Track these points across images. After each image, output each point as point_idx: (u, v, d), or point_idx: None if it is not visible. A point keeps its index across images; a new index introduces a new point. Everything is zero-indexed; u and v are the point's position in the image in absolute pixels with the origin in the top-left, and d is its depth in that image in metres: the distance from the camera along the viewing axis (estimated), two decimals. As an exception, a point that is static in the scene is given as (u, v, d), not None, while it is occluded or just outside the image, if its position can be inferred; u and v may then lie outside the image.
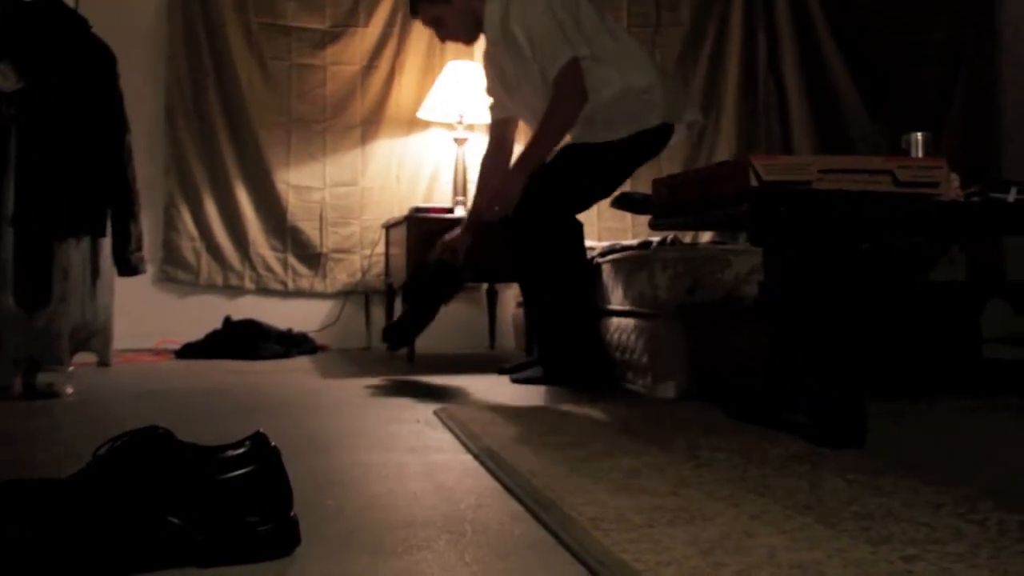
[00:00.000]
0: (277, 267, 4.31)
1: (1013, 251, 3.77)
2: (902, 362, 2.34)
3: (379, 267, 4.34)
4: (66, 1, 2.76)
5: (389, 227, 4.20)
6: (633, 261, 2.64)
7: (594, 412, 2.07)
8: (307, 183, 4.33)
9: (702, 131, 4.54)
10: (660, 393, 2.40)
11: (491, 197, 2.78)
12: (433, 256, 2.93)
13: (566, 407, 2.17)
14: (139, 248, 2.93)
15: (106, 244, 2.91)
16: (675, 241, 2.89)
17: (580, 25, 2.68)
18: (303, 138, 4.33)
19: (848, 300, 1.74)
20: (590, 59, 2.64)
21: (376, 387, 2.73)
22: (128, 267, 2.91)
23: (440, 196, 4.35)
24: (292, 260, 4.32)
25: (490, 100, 3.08)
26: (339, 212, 4.36)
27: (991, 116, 4.45)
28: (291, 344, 3.97)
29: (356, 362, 3.61)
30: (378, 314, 4.34)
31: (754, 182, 1.63)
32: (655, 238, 2.95)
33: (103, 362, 3.22)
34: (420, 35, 4.37)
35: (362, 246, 4.37)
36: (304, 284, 4.34)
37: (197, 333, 3.95)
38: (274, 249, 4.31)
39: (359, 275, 4.37)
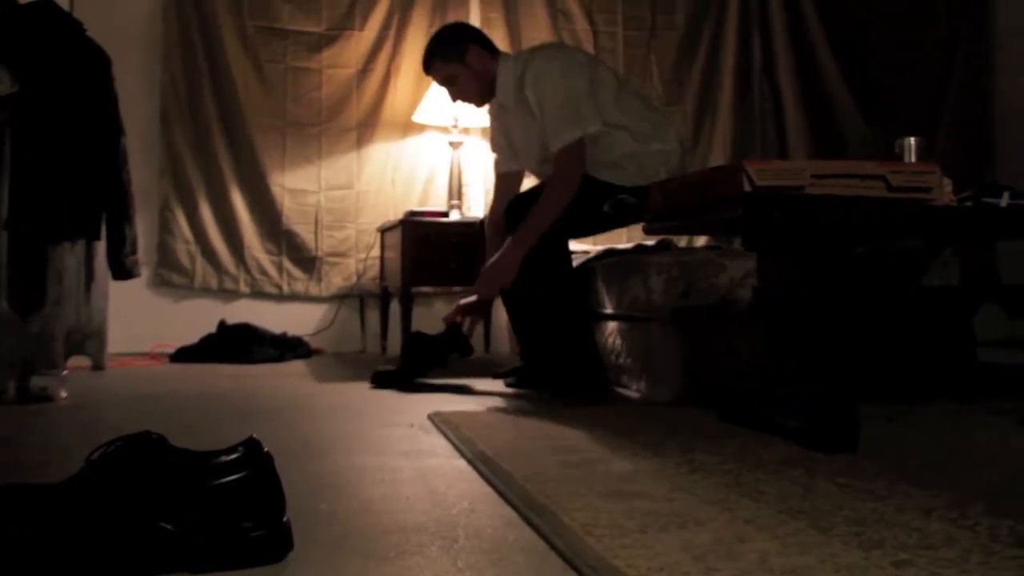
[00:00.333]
0: (272, 270, 4.31)
1: (1006, 255, 3.78)
2: (895, 366, 2.34)
3: (374, 271, 4.34)
4: (61, 4, 2.76)
5: (384, 231, 4.20)
6: (627, 265, 2.64)
7: (588, 417, 2.08)
8: (302, 186, 4.33)
9: (697, 135, 4.55)
10: (654, 397, 2.41)
11: (486, 279, 2.67)
12: (448, 318, 2.85)
13: (559, 412, 2.18)
14: (134, 251, 2.93)
15: (101, 247, 2.91)
16: (669, 245, 2.90)
17: (595, 98, 2.63)
18: (298, 141, 4.33)
19: (841, 304, 1.74)
20: (604, 128, 2.61)
21: (370, 391, 2.73)
22: (123, 270, 2.91)
23: (435, 199, 4.36)
24: (287, 263, 4.32)
25: (494, 156, 3.06)
26: (334, 215, 4.36)
27: (984, 121, 4.46)
28: (286, 348, 3.96)
29: (351, 366, 3.61)
30: (373, 317, 4.34)
31: (747, 187, 1.63)
32: (649, 242, 2.96)
33: (97, 366, 3.21)
34: (416, 39, 4.38)
35: (357, 250, 4.37)
36: (299, 288, 4.33)
37: (192, 337, 3.94)
38: (269, 252, 4.31)
39: (354, 279, 4.36)
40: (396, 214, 4.13)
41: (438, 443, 1.81)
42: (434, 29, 4.40)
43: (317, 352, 4.19)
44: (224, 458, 1.05)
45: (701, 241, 3.81)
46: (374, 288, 4.32)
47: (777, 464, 1.52)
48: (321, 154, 4.35)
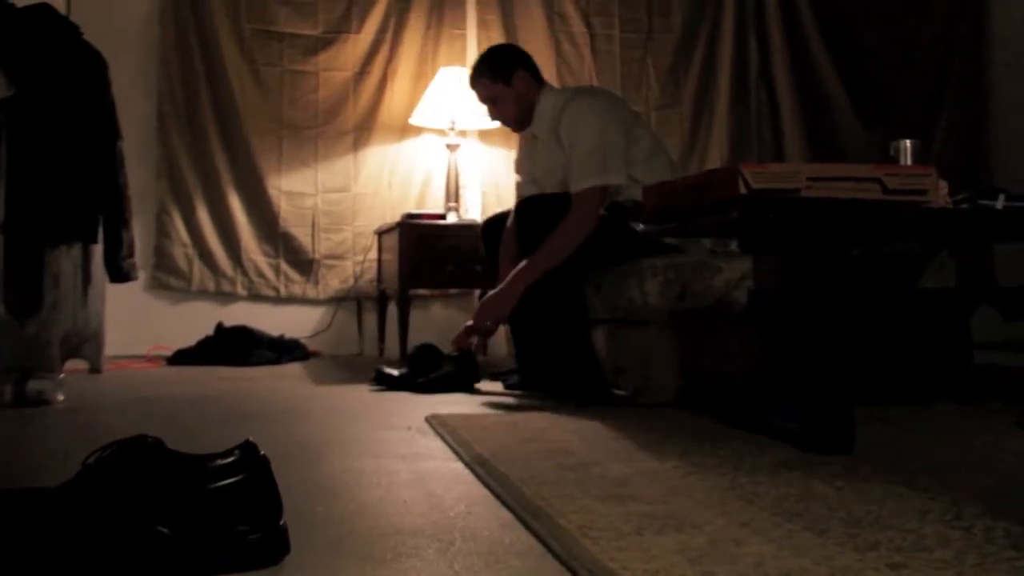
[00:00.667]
0: (269, 273, 4.31)
1: (1002, 257, 3.78)
2: (892, 368, 2.35)
3: (371, 273, 4.34)
4: (57, 7, 2.77)
5: (381, 233, 4.20)
6: (623, 267, 2.64)
7: (584, 419, 2.08)
8: (299, 189, 4.33)
9: (694, 138, 4.56)
10: (650, 400, 2.41)
11: (485, 309, 2.68)
12: (459, 340, 2.84)
13: (556, 414, 2.18)
14: (131, 254, 2.93)
15: (97, 251, 2.91)
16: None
17: (627, 152, 2.65)
18: (295, 144, 4.33)
19: (838, 307, 1.74)
20: (629, 182, 2.61)
21: (367, 394, 2.73)
22: (120, 274, 2.91)
23: (432, 202, 4.36)
24: (284, 266, 4.32)
25: (516, 177, 3.08)
26: (331, 218, 4.36)
27: (980, 123, 4.47)
28: (283, 350, 3.96)
29: (348, 368, 3.61)
30: (370, 320, 4.34)
31: (743, 190, 1.63)
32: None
33: (94, 369, 3.21)
34: (412, 41, 4.39)
35: (354, 252, 4.38)
36: (296, 290, 4.33)
37: (189, 339, 3.94)
38: (266, 255, 4.31)
39: (351, 281, 4.36)
40: (393, 216, 4.13)
41: (435, 446, 1.81)
42: (430, 32, 4.45)
43: (314, 355, 4.19)
44: (221, 461, 1.05)
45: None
46: (371, 291, 4.32)
47: (773, 466, 1.52)
48: (318, 157, 4.36)
